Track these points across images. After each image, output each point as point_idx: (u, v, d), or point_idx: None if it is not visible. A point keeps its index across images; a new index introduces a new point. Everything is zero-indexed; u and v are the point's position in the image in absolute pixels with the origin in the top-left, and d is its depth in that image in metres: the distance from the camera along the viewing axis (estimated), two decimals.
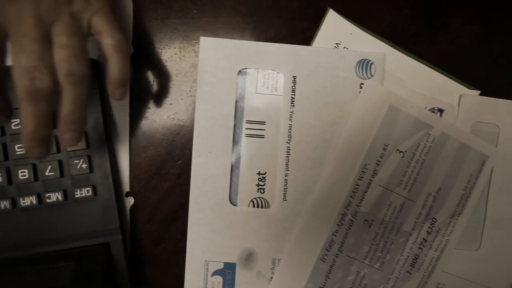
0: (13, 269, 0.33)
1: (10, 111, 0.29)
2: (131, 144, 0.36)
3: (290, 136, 0.36)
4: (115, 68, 0.28)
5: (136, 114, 0.36)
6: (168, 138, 0.36)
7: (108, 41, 0.28)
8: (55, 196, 0.34)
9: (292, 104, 0.36)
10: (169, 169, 0.36)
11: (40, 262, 0.33)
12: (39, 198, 0.34)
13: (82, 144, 0.34)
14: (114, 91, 0.29)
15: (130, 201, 0.36)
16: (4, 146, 0.33)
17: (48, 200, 0.34)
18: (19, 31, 0.25)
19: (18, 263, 0.33)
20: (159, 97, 0.36)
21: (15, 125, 0.33)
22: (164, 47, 0.36)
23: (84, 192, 0.34)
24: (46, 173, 0.34)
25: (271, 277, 0.36)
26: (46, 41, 0.25)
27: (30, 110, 0.25)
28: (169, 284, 0.37)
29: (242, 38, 0.36)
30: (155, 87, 0.36)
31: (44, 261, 0.33)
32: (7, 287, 0.32)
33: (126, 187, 0.36)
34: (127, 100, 0.36)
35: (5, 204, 0.34)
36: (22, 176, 0.34)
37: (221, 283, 0.37)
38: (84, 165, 0.34)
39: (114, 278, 0.34)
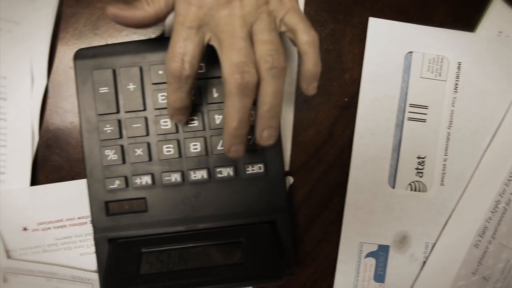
0: (184, 242, 0.32)
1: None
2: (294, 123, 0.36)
3: (451, 121, 0.36)
4: (310, 64, 0.28)
5: (299, 93, 0.36)
6: (329, 119, 0.36)
7: (304, 38, 0.28)
8: (226, 171, 0.33)
9: (455, 90, 0.36)
10: (328, 150, 0.36)
11: (208, 237, 0.33)
12: (210, 173, 0.33)
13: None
14: (308, 86, 0.29)
15: (290, 180, 0.36)
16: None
17: (218, 175, 0.33)
18: (228, 31, 0.26)
19: (187, 237, 0.33)
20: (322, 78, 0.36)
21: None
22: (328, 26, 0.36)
23: (256, 169, 0.33)
24: (219, 147, 0.33)
25: (424, 261, 0.37)
26: (250, 39, 0.27)
27: (237, 105, 0.26)
28: (320, 263, 0.37)
29: (408, 21, 0.36)
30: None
31: (213, 236, 0.33)
32: (182, 260, 0.31)
33: (286, 166, 0.36)
34: (293, 77, 0.35)
35: (175, 177, 0.33)
36: (193, 149, 0.33)
37: (374, 265, 0.37)
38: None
39: (280, 256, 0.34)
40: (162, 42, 0.33)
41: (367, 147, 0.36)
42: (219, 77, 0.33)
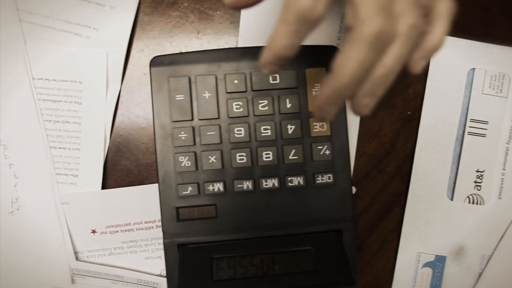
0: (253, 249, 0.33)
1: None
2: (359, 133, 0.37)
3: (510, 137, 0.37)
4: (438, 35, 0.25)
5: None
6: (392, 131, 0.37)
7: (443, 3, 0.24)
8: (296, 180, 0.34)
9: None
10: (390, 161, 0.37)
11: (277, 244, 0.33)
12: (280, 181, 0.34)
13: (326, 130, 0.34)
14: (419, 60, 0.25)
15: (353, 190, 0.37)
16: (253, 127, 0.33)
17: (289, 184, 0.34)
18: None
19: (256, 244, 0.34)
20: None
21: (262, 106, 0.33)
22: None
23: (325, 179, 0.34)
24: (290, 157, 0.34)
25: (480, 273, 0.38)
26: None
27: (361, 56, 0.21)
28: (378, 272, 0.38)
29: (471, 38, 0.37)
30: None
31: (281, 243, 0.33)
32: (253, 266, 0.32)
33: None
34: None
35: (247, 184, 0.34)
36: (266, 158, 0.34)
37: (431, 275, 0.38)
38: (327, 152, 0.34)
39: (344, 264, 0.35)
40: (236, 52, 0.34)
41: (428, 160, 0.37)
42: (292, 87, 0.33)
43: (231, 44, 0.36)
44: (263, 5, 0.24)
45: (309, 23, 0.22)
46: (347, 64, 0.22)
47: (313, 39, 0.35)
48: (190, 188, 0.33)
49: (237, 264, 0.32)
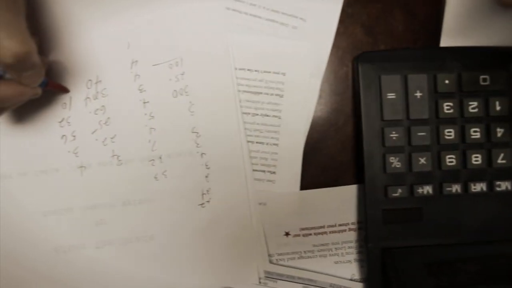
0: (462, 256, 0.32)
1: None
2: None
3: None
4: None
5: None
6: None
7: None
8: (505, 185, 0.33)
9: None
10: None
11: (485, 251, 0.33)
12: (489, 186, 0.33)
13: None
14: None
15: None
16: (463, 129, 0.32)
17: (497, 189, 0.33)
18: None
19: (463, 250, 0.32)
20: None
21: (472, 108, 0.32)
22: None
23: None
24: (498, 161, 0.33)
25: None
26: None
27: None
28: None
29: None
30: None
31: (489, 250, 0.33)
32: (472, 273, 0.31)
33: None
34: None
35: (456, 188, 0.32)
36: (474, 161, 0.33)
37: None
38: None
39: None
40: (446, 51, 0.33)
41: None
42: (502, 90, 0.33)
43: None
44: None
45: None
46: None
47: None
48: (399, 190, 0.32)
49: (450, 271, 0.31)
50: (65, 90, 0.32)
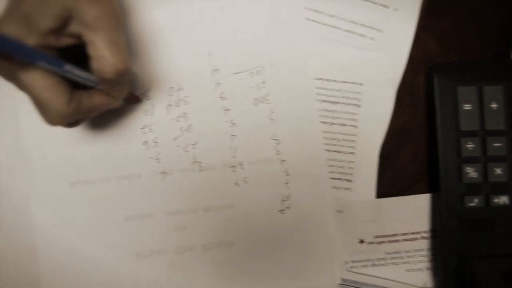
0: None
1: None
2: None
3: None
4: None
5: None
6: None
7: None
8: None
9: None
10: None
11: None
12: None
13: None
14: None
15: None
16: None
17: None
18: None
19: None
20: None
21: None
22: None
23: None
24: None
25: None
26: None
27: None
28: None
29: None
30: None
31: None
32: None
33: None
34: None
35: (477, 200, 0.33)
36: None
37: None
38: None
39: None
40: None
41: None
42: None
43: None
44: None
45: None
46: None
47: None
48: (476, 200, 0.33)
49: None
50: (139, 101, 0.32)
